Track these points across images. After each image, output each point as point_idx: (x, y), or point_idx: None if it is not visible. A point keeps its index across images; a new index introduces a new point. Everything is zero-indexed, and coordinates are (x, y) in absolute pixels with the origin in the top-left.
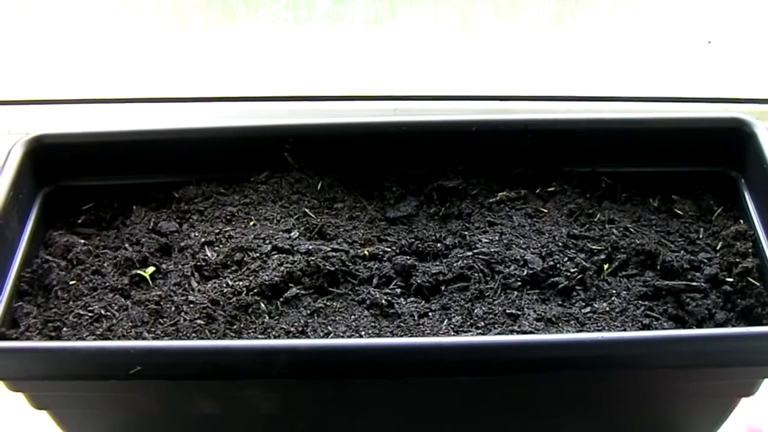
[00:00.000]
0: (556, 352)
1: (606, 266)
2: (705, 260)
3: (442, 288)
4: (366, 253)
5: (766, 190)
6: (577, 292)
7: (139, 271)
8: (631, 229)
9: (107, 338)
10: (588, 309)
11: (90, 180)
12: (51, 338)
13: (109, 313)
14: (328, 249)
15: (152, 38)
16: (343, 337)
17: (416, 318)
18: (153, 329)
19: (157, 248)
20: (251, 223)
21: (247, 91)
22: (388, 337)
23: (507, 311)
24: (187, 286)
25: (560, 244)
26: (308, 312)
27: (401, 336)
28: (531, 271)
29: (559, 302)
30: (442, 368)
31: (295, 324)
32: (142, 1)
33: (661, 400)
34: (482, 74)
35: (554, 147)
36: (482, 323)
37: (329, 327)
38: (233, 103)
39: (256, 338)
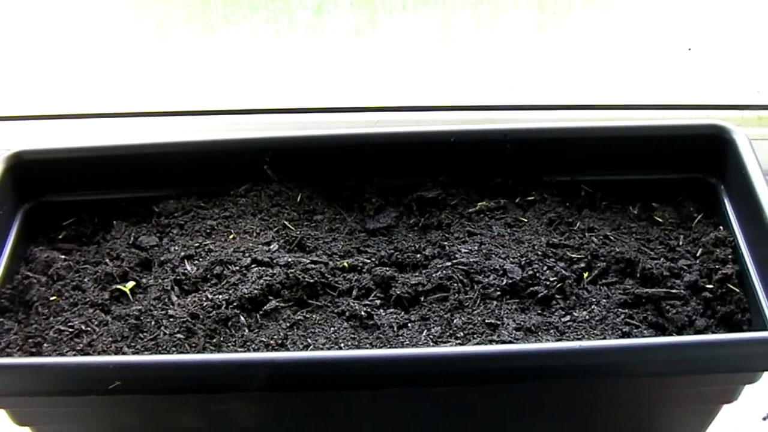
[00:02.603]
0: (536, 361)
1: (586, 275)
2: (685, 267)
3: (422, 299)
4: (345, 264)
5: (746, 196)
6: (557, 301)
7: (119, 286)
8: (611, 237)
9: (87, 354)
10: (568, 318)
11: (70, 195)
12: (32, 354)
13: (89, 329)
14: (308, 261)
15: (132, 52)
16: (322, 349)
17: (395, 329)
18: (133, 344)
19: (137, 263)
20: (231, 237)
21: (227, 104)
22: (367, 348)
23: (486, 321)
24: (167, 300)
25: (540, 253)
26: (288, 325)
27: (381, 347)
28: (510, 281)
29: (539, 311)
30: (422, 379)
31: (275, 337)
32: (121, 16)
33: (642, 407)
34: (463, 84)
35: (534, 156)
36: (461, 333)
37: (309, 339)
38: (213, 117)
39: (236, 352)
